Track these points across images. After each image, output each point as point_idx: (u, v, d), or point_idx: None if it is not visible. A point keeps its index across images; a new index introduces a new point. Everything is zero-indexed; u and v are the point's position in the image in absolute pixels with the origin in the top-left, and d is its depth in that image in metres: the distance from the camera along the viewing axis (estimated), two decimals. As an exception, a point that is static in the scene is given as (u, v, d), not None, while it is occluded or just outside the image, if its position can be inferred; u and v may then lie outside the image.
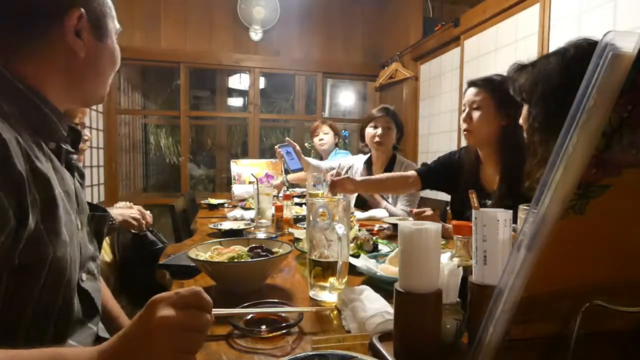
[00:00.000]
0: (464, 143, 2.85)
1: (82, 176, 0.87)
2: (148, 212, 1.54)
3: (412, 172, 1.84)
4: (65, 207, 0.68)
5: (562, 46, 0.98)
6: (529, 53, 2.29)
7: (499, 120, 1.48)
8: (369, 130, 2.36)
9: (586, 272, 0.43)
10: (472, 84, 1.55)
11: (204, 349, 0.65)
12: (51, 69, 0.70)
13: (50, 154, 0.70)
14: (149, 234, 1.51)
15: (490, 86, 1.49)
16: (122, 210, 1.44)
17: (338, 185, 1.69)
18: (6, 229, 0.56)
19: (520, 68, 1.06)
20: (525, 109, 1.09)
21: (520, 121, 1.15)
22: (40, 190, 0.62)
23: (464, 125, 1.55)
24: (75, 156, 0.80)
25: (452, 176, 1.74)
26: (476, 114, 1.50)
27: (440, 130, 3.26)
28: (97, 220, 0.86)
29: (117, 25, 0.80)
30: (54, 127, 0.71)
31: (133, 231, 1.45)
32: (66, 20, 0.68)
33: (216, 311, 0.57)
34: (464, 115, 1.55)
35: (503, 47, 2.50)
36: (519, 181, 1.30)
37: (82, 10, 0.69)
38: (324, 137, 3.15)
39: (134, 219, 1.42)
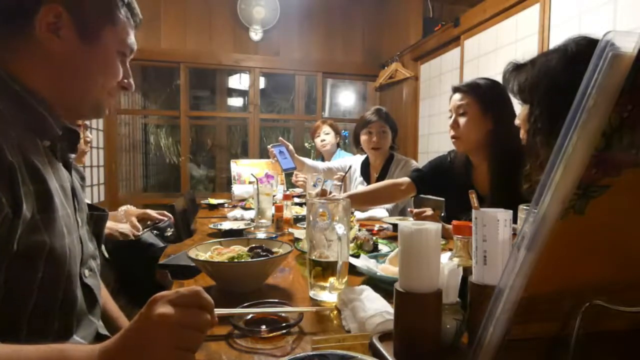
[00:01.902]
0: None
1: (82, 178, 0.89)
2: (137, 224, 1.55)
3: (404, 179, 1.81)
4: (62, 200, 0.70)
5: (562, 43, 0.96)
6: (529, 53, 2.28)
7: (486, 124, 1.47)
8: (365, 137, 2.38)
9: (586, 272, 0.43)
10: (456, 89, 1.54)
11: (204, 349, 0.65)
12: (36, 67, 0.70)
13: (46, 149, 0.71)
14: (145, 236, 1.51)
15: (474, 90, 1.48)
16: (111, 224, 1.46)
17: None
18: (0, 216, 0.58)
19: (518, 67, 1.04)
20: (524, 109, 1.07)
21: (517, 121, 1.12)
22: (34, 182, 0.63)
23: (451, 132, 1.53)
24: (73, 155, 0.81)
25: (445, 180, 1.72)
26: (463, 120, 1.49)
27: (440, 130, 3.26)
28: (96, 220, 0.87)
29: (131, 40, 0.78)
30: (47, 126, 0.71)
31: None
32: (39, 15, 0.67)
33: (216, 311, 0.57)
34: (450, 121, 1.53)
35: (503, 47, 2.50)
36: (510, 183, 1.27)
37: (62, 7, 0.68)
38: (325, 137, 3.13)
39: (121, 233, 1.46)
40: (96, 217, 0.87)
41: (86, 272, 0.77)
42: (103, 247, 1.59)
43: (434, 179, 1.77)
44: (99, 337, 0.79)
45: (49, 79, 0.71)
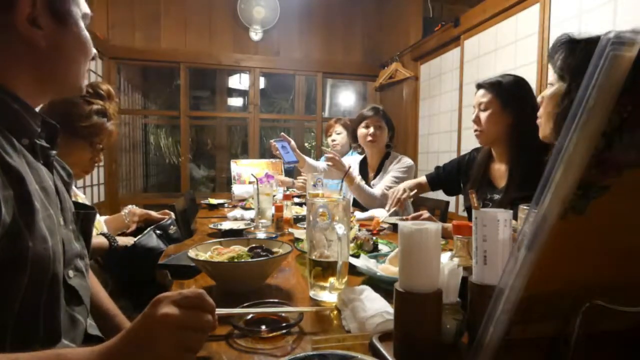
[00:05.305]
0: (463, 143, 2.88)
1: (68, 175, 0.85)
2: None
3: (423, 178, 2.05)
4: (43, 202, 0.66)
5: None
6: (529, 53, 2.30)
7: (506, 118, 1.52)
8: (362, 131, 2.41)
9: (586, 272, 0.43)
10: (479, 86, 1.60)
11: (204, 348, 0.65)
12: (15, 63, 0.66)
13: (24, 149, 0.68)
14: (143, 240, 1.50)
15: (495, 88, 1.54)
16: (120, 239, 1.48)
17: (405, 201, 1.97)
18: None
19: (573, 42, 0.99)
20: (555, 88, 1.04)
21: (539, 98, 1.11)
22: (13, 185, 0.60)
23: (474, 127, 1.61)
24: (54, 152, 0.77)
25: (461, 177, 1.83)
26: (484, 115, 1.55)
27: (440, 130, 3.26)
28: (83, 219, 0.84)
29: (85, 9, 0.75)
30: (24, 123, 0.68)
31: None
32: (18, 8, 0.63)
33: (217, 311, 0.57)
34: (473, 116, 1.60)
35: (503, 47, 2.50)
36: (527, 175, 1.37)
37: None
38: (337, 137, 3.07)
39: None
40: (83, 215, 0.84)
41: (70, 272, 0.74)
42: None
43: (449, 178, 1.92)
44: (88, 338, 0.77)
45: (31, 72, 0.68)
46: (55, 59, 0.70)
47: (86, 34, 0.75)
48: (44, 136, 0.75)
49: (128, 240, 1.48)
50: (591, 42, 0.95)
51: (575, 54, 0.97)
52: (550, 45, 1.06)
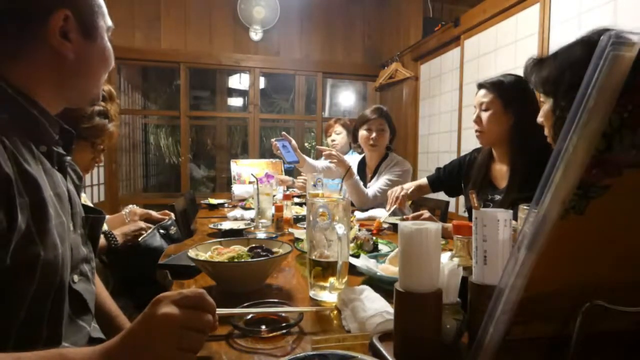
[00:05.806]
0: (464, 143, 2.87)
1: (79, 178, 0.86)
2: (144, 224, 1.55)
3: (424, 180, 2.02)
4: (56, 209, 0.68)
5: (584, 35, 0.94)
6: (529, 53, 2.29)
7: (507, 119, 1.51)
8: (363, 133, 2.39)
9: (586, 272, 0.43)
10: (480, 86, 1.59)
11: (204, 348, 0.65)
12: (40, 72, 0.69)
13: (41, 156, 0.69)
14: (149, 240, 1.50)
15: (497, 87, 1.53)
16: (124, 229, 1.47)
17: (404, 199, 1.93)
18: None
19: (540, 61, 1.03)
20: (547, 104, 1.06)
21: (539, 119, 1.12)
22: (29, 192, 0.61)
23: (475, 127, 1.59)
24: (68, 158, 0.79)
25: (462, 178, 1.81)
26: (485, 115, 1.54)
27: (440, 130, 3.26)
28: (92, 223, 0.85)
29: (109, 23, 0.78)
30: (43, 131, 0.70)
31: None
32: (51, 22, 0.66)
33: (217, 311, 0.58)
34: (474, 117, 1.59)
35: (503, 47, 2.50)
36: (528, 176, 1.37)
37: (68, 11, 0.67)
38: (336, 137, 3.04)
39: (135, 235, 1.46)
40: (92, 219, 0.85)
41: (75, 277, 0.75)
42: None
43: (450, 179, 1.90)
44: (92, 341, 0.77)
45: (54, 82, 0.70)
46: (80, 71, 0.73)
47: (109, 46, 0.78)
48: (61, 143, 0.76)
49: (128, 229, 1.48)
50: (559, 54, 0.98)
51: (548, 68, 1.00)
52: (523, 73, 1.09)
